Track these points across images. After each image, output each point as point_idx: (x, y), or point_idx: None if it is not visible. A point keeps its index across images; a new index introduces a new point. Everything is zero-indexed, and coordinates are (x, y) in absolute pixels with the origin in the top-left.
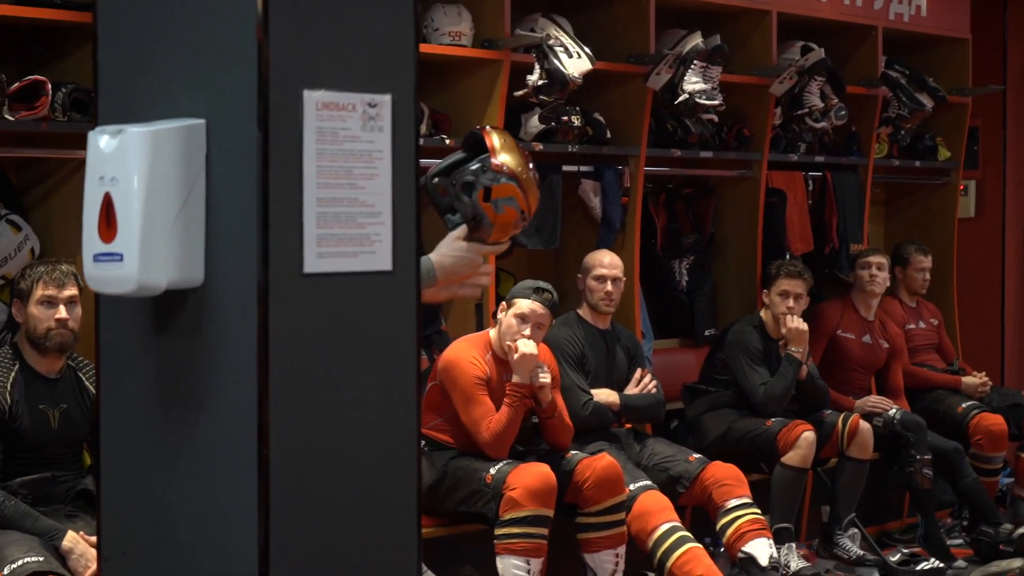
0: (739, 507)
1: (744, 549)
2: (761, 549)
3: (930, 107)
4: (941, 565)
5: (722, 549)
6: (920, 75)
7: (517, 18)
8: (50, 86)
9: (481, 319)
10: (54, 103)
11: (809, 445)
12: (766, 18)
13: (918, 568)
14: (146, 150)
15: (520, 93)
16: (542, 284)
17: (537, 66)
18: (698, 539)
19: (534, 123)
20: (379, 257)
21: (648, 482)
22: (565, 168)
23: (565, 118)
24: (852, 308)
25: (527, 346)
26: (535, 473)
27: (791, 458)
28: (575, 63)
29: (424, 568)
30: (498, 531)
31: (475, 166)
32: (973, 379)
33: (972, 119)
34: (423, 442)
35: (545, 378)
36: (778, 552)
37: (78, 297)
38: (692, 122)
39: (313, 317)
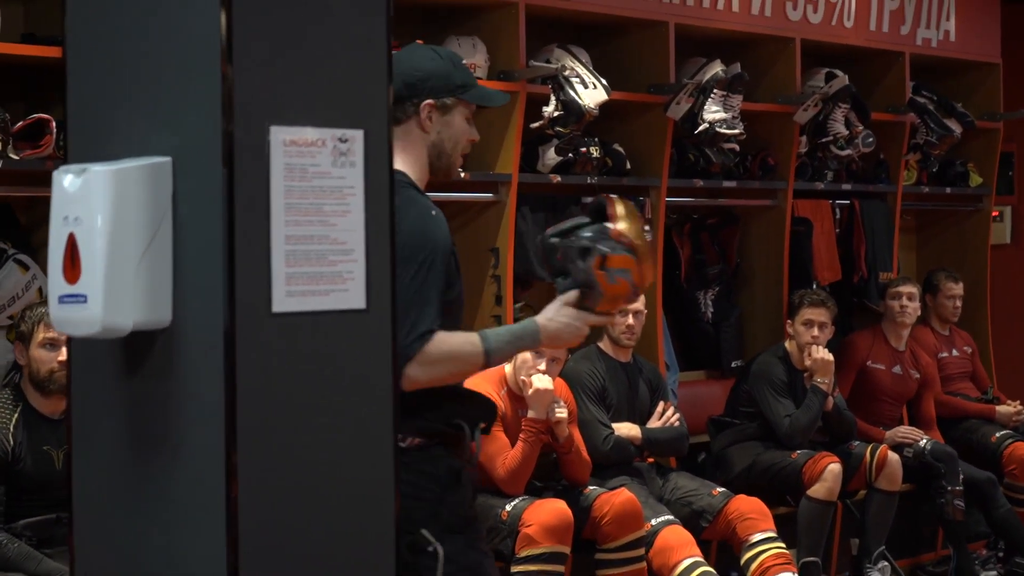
0: (763, 541)
1: None
2: None
3: (958, 133)
4: None
5: None
6: (948, 101)
7: (533, 49)
8: (54, 124)
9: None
10: (59, 142)
11: (835, 477)
12: (790, 45)
13: None
14: (110, 189)
15: (536, 125)
16: None
17: (553, 97)
18: (723, 574)
19: (551, 155)
20: (352, 295)
21: (670, 517)
22: (585, 200)
23: (583, 149)
24: (882, 338)
25: (542, 381)
26: (551, 510)
27: (817, 491)
28: (591, 94)
29: None
30: (514, 568)
31: (593, 231)
32: (1007, 408)
33: (1005, 144)
34: None
35: (561, 413)
36: None
37: None
38: (713, 152)
39: (283, 357)
